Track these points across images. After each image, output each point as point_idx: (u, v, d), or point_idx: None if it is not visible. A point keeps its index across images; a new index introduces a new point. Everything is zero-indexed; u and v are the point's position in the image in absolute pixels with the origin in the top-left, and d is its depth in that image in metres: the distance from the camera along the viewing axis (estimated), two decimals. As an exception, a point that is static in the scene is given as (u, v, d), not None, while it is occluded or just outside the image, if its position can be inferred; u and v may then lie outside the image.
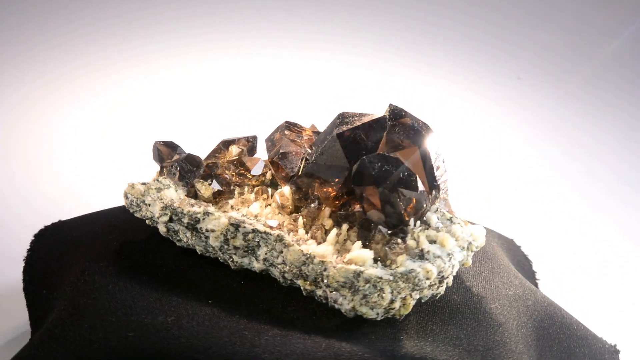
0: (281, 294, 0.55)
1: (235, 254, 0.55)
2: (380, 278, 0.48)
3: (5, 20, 1.20)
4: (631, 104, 1.24)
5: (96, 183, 0.91)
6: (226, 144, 0.60)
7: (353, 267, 0.50)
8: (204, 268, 0.58)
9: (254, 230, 0.54)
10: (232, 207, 0.58)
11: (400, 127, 0.53)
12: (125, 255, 0.59)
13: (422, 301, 0.52)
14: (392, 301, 0.49)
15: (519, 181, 1.05)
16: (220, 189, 0.58)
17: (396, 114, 0.53)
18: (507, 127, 1.18)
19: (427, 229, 0.53)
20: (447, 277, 0.52)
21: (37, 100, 1.09)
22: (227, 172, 0.59)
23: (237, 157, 0.59)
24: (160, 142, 0.60)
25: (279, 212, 0.57)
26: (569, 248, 0.89)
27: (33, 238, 0.64)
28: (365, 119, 0.54)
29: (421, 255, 0.51)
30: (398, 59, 1.30)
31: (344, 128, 0.53)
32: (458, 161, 1.02)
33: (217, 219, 0.54)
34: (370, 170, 0.50)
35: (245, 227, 0.54)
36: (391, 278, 0.49)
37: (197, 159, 0.59)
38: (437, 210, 0.53)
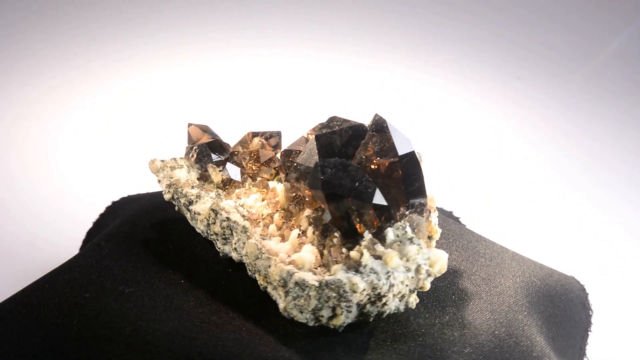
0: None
1: (217, 240, 0.57)
2: (306, 282, 0.48)
3: (5, 21, 1.23)
4: (631, 103, 1.23)
5: (96, 182, 0.94)
6: (251, 136, 0.62)
7: (288, 267, 0.50)
8: (205, 250, 0.60)
9: (228, 219, 0.56)
10: (236, 196, 0.59)
11: (378, 138, 0.52)
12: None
13: (370, 318, 0.51)
14: (319, 308, 0.48)
15: (519, 181, 1.05)
16: (230, 176, 0.60)
17: (378, 125, 0.52)
18: (507, 127, 1.18)
19: (378, 244, 0.51)
20: (386, 296, 0.50)
21: (37, 100, 1.12)
22: (244, 162, 0.60)
23: (255, 150, 0.61)
24: (193, 124, 0.63)
25: (273, 208, 0.58)
26: (569, 248, 0.89)
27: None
28: (346, 125, 0.53)
29: (357, 268, 0.49)
30: (398, 58, 1.30)
31: (324, 131, 0.53)
32: (458, 161, 1.07)
33: (204, 203, 0.57)
34: (319, 174, 0.49)
35: (221, 214, 0.56)
36: (316, 284, 0.48)
37: (221, 146, 0.62)
38: (400, 227, 0.51)
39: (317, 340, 0.51)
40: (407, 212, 0.52)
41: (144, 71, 1.18)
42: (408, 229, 0.51)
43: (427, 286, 0.51)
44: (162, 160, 0.62)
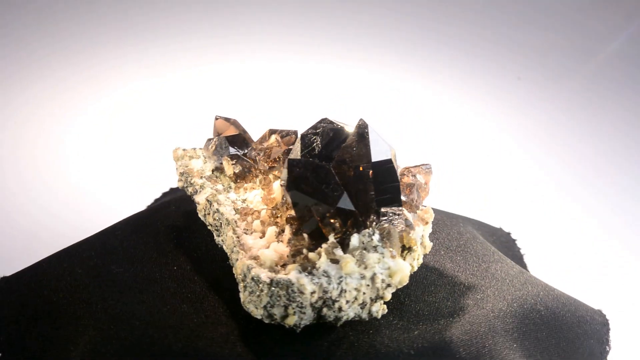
0: None
1: (213, 231, 0.59)
2: (260, 278, 0.49)
3: (11, 24, 1.22)
4: (631, 104, 1.22)
5: (101, 185, 0.94)
6: (269, 133, 0.64)
7: (249, 262, 0.51)
8: (207, 241, 0.62)
9: (217, 210, 0.58)
10: (243, 190, 0.61)
11: (357, 143, 0.52)
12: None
13: (333, 323, 0.51)
14: (271, 305, 0.50)
15: (519, 181, 1.05)
16: (242, 170, 0.61)
17: (360, 130, 0.52)
18: (507, 127, 1.18)
19: (338, 248, 0.51)
20: (338, 301, 0.50)
21: (42, 103, 1.11)
22: (257, 157, 0.62)
23: (269, 147, 0.63)
24: (220, 117, 0.65)
25: (269, 205, 0.59)
26: (569, 248, 0.89)
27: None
28: (329, 127, 0.54)
29: (310, 270, 0.50)
30: (398, 58, 1.29)
31: (310, 131, 0.54)
32: (458, 161, 1.07)
33: (204, 194, 0.59)
34: (286, 173, 0.50)
35: (214, 205, 0.58)
36: (268, 281, 0.49)
37: (244, 140, 0.63)
38: (367, 234, 0.51)
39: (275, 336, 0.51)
40: (377, 220, 0.51)
41: (145, 74, 1.19)
42: (375, 237, 0.50)
43: (387, 296, 0.50)
44: (184, 149, 0.64)
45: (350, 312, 0.50)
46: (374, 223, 0.51)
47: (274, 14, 1.31)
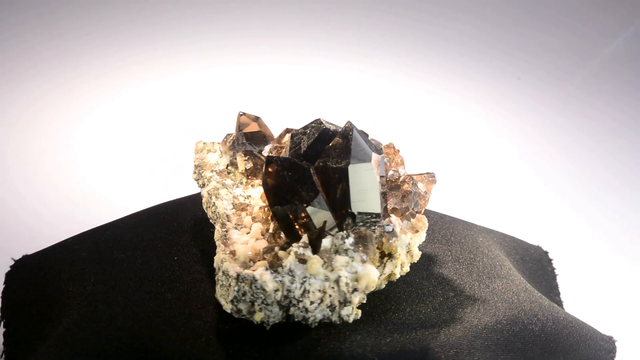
0: None
1: (213, 224, 0.61)
2: (228, 272, 0.51)
3: (18, 24, 1.20)
4: (631, 104, 1.21)
5: (104, 186, 0.94)
6: (285, 132, 0.65)
7: (222, 255, 0.53)
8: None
9: (214, 204, 0.59)
10: (251, 186, 0.63)
11: (339, 146, 0.53)
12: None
13: (303, 322, 0.51)
14: (237, 300, 0.51)
15: (519, 181, 1.04)
16: (252, 167, 0.63)
17: (345, 131, 0.53)
18: (506, 127, 1.16)
19: (309, 248, 0.52)
20: (302, 301, 0.50)
21: (47, 103, 1.10)
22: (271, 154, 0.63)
23: (282, 145, 0.64)
24: (243, 113, 0.67)
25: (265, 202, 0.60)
26: (569, 248, 0.88)
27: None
28: (316, 127, 0.54)
29: (276, 268, 0.51)
30: (397, 58, 1.28)
31: (300, 130, 0.55)
32: (456, 162, 1.07)
33: (208, 187, 0.61)
34: (265, 168, 0.51)
35: (212, 198, 0.60)
36: (235, 276, 0.50)
37: (263, 138, 0.65)
38: (340, 237, 0.52)
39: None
40: (353, 224, 0.51)
41: (150, 76, 1.19)
42: (348, 240, 0.50)
43: (355, 301, 0.50)
44: (204, 143, 0.65)
45: (317, 313, 0.50)
46: (350, 226, 0.50)
47: (275, 15, 1.33)
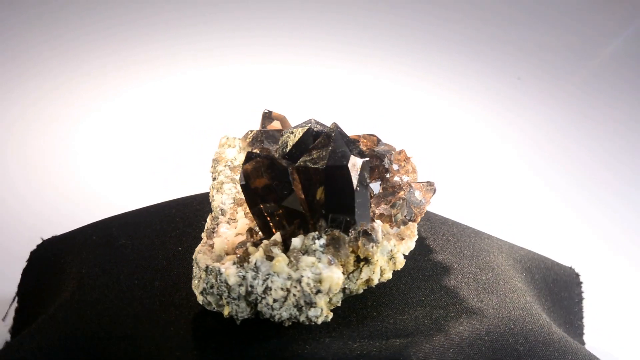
0: None
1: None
2: (199, 263, 0.53)
3: (19, 24, 1.19)
4: (631, 104, 1.21)
5: (104, 186, 0.94)
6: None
7: (199, 247, 0.55)
8: None
9: (213, 198, 0.61)
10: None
11: (321, 146, 0.53)
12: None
13: (266, 317, 0.52)
14: (206, 292, 0.52)
15: (519, 182, 1.04)
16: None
17: (329, 132, 0.53)
18: (506, 127, 1.16)
19: (277, 246, 0.53)
20: (265, 298, 0.51)
21: (47, 104, 1.09)
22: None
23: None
24: (269, 110, 0.68)
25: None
26: (569, 249, 0.88)
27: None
28: (302, 127, 0.55)
29: (241, 263, 0.52)
30: (397, 58, 1.27)
31: (290, 129, 0.56)
32: (457, 161, 1.07)
33: (215, 181, 0.63)
34: (243, 164, 0.52)
35: (214, 192, 0.62)
36: (204, 267, 0.52)
37: (280, 135, 0.66)
38: (311, 237, 0.52)
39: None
40: (327, 225, 0.51)
41: (146, 77, 1.18)
42: (319, 242, 0.50)
43: (320, 302, 0.50)
44: (227, 138, 0.67)
45: (283, 312, 0.50)
46: (323, 228, 0.50)
47: (285, 14, 1.33)
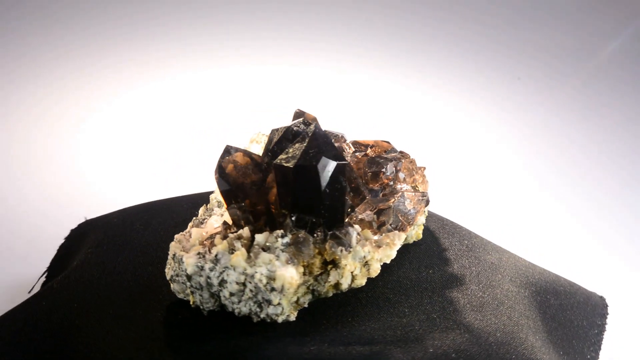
0: None
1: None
2: (170, 252, 0.55)
3: (25, 26, 1.19)
4: (631, 104, 1.22)
5: (104, 186, 0.94)
6: None
7: (177, 235, 0.57)
8: None
9: (215, 191, 0.63)
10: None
11: (297, 146, 0.54)
12: None
13: (230, 311, 0.53)
14: (173, 280, 0.54)
15: (518, 182, 1.05)
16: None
17: (307, 132, 0.54)
18: (506, 127, 1.17)
19: (240, 241, 0.54)
20: (222, 291, 0.52)
21: (48, 105, 1.10)
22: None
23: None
24: (300, 110, 0.69)
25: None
26: (569, 250, 0.89)
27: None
28: (284, 125, 0.56)
29: (203, 255, 0.54)
30: (395, 59, 1.27)
31: (278, 127, 0.57)
32: (456, 163, 1.08)
33: None
34: (219, 159, 0.54)
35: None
36: (172, 255, 0.54)
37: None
38: (275, 235, 0.53)
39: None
40: (292, 225, 0.52)
41: (146, 79, 1.18)
42: (282, 240, 0.50)
43: (274, 300, 0.50)
44: (262, 134, 0.68)
45: (242, 307, 0.51)
46: (288, 227, 0.51)
47: (286, 16, 1.31)
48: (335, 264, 0.51)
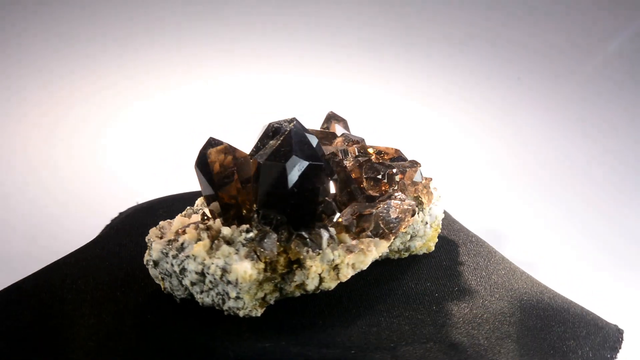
0: None
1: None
2: (146, 239, 0.58)
3: (30, 29, 1.16)
4: (632, 103, 1.23)
5: (105, 186, 0.95)
6: (341, 136, 0.67)
7: (162, 222, 0.59)
8: None
9: None
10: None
11: (272, 143, 0.55)
12: None
13: (197, 300, 0.54)
14: (147, 264, 0.56)
15: (518, 182, 1.06)
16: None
17: (283, 131, 0.55)
18: (507, 127, 1.18)
19: (207, 231, 0.55)
20: (184, 278, 0.53)
21: (51, 106, 1.09)
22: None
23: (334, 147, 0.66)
24: (333, 113, 0.70)
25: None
26: (568, 250, 0.89)
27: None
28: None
29: (171, 242, 0.56)
30: (395, 59, 1.27)
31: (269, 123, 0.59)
32: (457, 163, 1.09)
33: None
34: (200, 151, 0.55)
35: None
36: (146, 240, 0.57)
37: (330, 136, 0.68)
38: (241, 230, 0.53)
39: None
40: (259, 221, 0.53)
41: (146, 79, 1.17)
42: (247, 234, 0.51)
43: (232, 293, 0.50)
44: None
45: (205, 297, 0.52)
46: (254, 222, 0.51)
47: (287, 20, 1.29)
48: (300, 264, 0.50)
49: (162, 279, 0.53)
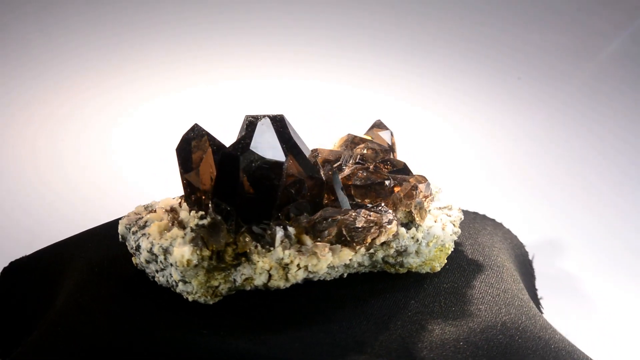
0: None
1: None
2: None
3: (35, 30, 1.14)
4: (631, 104, 1.21)
5: (106, 186, 0.93)
6: (350, 137, 0.67)
7: (153, 201, 0.64)
8: None
9: None
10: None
11: (243, 137, 0.58)
12: None
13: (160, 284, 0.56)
14: (123, 239, 0.60)
15: (518, 182, 1.06)
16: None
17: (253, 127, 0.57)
18: (507, 127, 1.18)
19: (177, 219, 0.58)
20: (139, 255, 0.57)
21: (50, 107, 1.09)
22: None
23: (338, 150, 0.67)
24: (379, 120, 0.70)
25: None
26: (567, 250, 0.90)
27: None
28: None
29: (138, 220, 0.60)
30: (395, 59, 1.25)
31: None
32: (457, 163, 1.09)
33: None
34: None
35: None
36: (125, 221, 0.62)
37: (358, 140, 0.69)
38: (195, 217, 0.54)
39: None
40: (214, 211, 0.55)
41: (146, 80, 1.12)
42: (199, 221, 0.52)
43: (175, 276, 0.52)
44: (353, 136, 0.70)
45: (160, 277, 0.55)
46: (210, 211, 0.54)
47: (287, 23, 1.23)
48: (248, 257, 0.51)
49: (133, 254, 0.55)
